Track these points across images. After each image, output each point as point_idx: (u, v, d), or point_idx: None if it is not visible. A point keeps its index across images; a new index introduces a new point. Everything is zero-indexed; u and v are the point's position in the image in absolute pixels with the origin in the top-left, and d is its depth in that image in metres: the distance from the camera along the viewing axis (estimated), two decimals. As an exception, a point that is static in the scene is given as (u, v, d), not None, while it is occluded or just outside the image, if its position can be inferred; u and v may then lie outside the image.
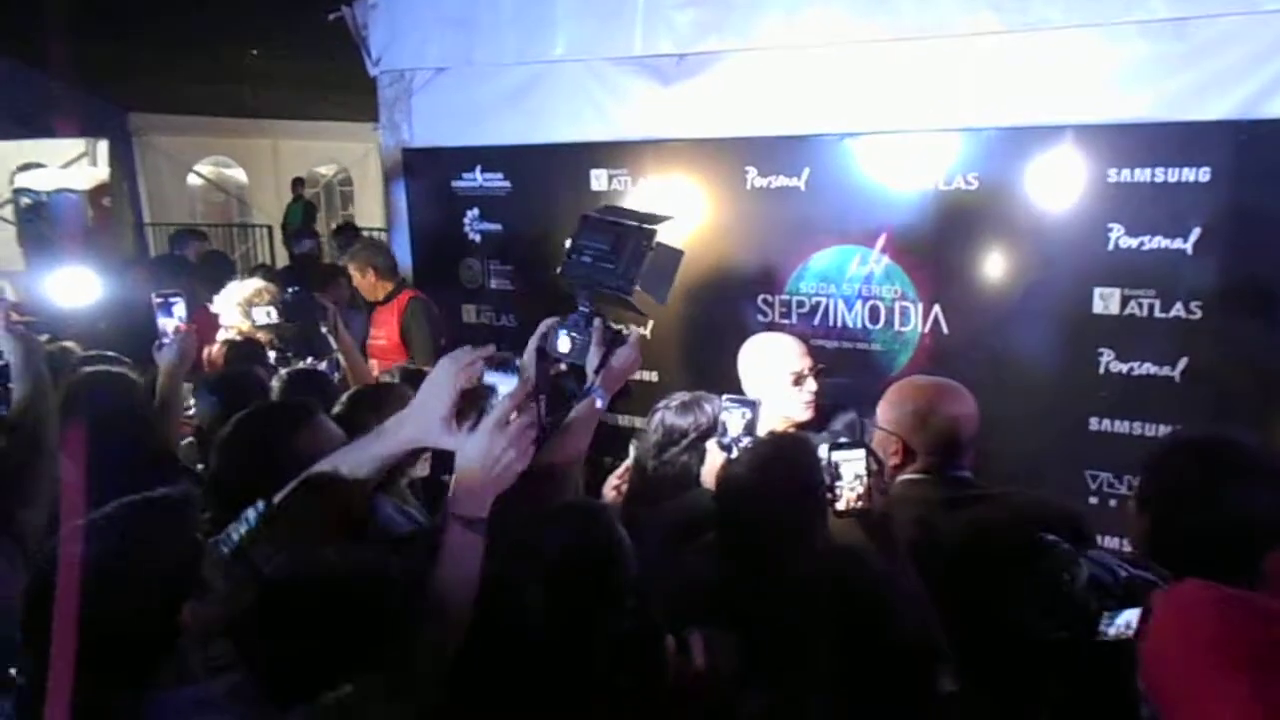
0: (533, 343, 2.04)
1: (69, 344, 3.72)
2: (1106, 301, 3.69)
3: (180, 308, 3.13)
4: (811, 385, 2.81)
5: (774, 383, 2.79)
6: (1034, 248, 3.81)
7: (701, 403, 2.59)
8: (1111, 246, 3.64)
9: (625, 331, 2.02)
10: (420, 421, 1.64)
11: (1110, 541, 3.50)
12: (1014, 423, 3.73)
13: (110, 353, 3.54)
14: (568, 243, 2.21)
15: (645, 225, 2.06)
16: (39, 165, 14.33)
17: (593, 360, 1.96)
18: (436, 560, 1.58)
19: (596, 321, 1.97)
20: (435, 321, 4.89)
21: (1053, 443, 3.81)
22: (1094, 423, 3.77)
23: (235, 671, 1.54)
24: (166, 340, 3.06)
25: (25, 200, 12.88)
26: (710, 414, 2.52)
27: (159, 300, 3.13)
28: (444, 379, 1.64)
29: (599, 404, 1.95)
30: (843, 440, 2.08)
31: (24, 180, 13.65)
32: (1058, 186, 3.72)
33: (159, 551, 1.54)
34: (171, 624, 1.51)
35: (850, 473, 2.03)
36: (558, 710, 1.67)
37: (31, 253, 12.48)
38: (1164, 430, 3.63)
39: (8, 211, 13.73)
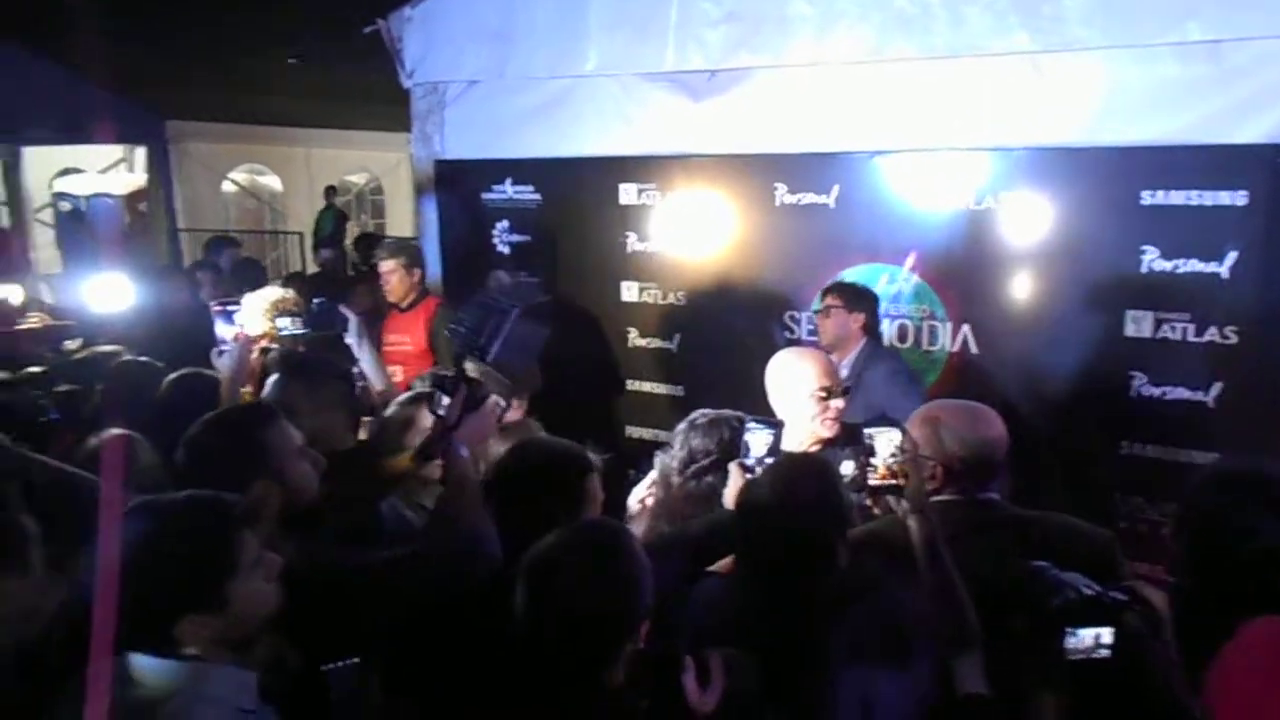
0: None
1: (112, 347, 3.77)
2: (1139, 324, 3.65)
3: (239, 315, 3.19)
4: (838, 403, 2.80)
5: (800, 400, 2.79)
6: (1065, 269, 3.78)
7: (725, 422, 2.58)
8: (1145, 269, 3.61)
9: (485, 397, 2.39)
10: None
11: (1140, 567, 3.45)
12: (1043, 445, 3.69)
13: (144, 358, 3.59)
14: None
15: (508, 307, 2.52)
16: (78, 170, 14.65)
17: (450, 416, 2.30)
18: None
19: (461, 386, 2.34)
20: None
21: (1082, 466, 3.77)
22: (1125, 446, 3.73)
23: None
24: (226, 347, 3.11)
25: (64, 205, 13.17)
26: (734, 433, 2.51)
27: (218, 308, 3.20)
28: None
29: (464, 452, 2.26)
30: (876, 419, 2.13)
31: (63, 185, 13.96)
32: (1090, 208, 3.70)
33: (171, 555, 1.55)
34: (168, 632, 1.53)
35: (885, 449, 2.06)
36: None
37: (69, 256, 12.75)
38: (1197, 456, 3.57)
39: (47, 215, 14.03)
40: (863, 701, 1.89)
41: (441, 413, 2.33)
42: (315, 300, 3.73)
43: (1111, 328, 3.69)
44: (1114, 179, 3.63)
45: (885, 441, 2.06)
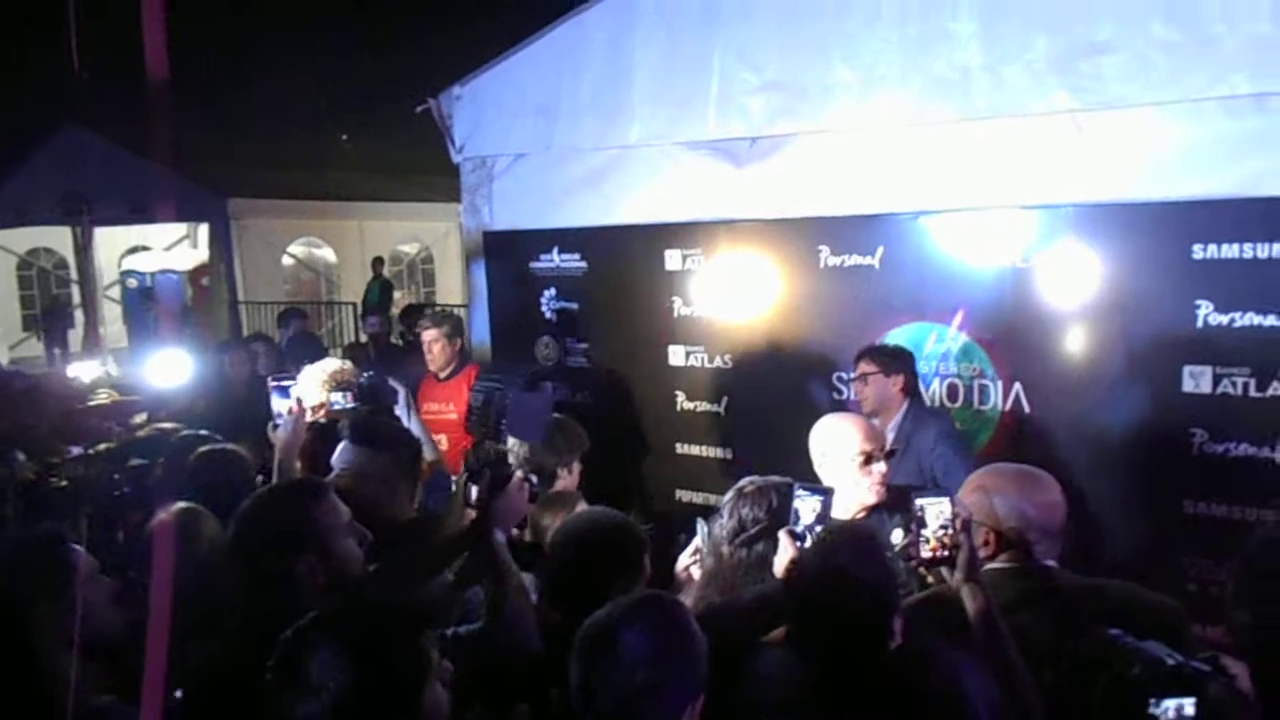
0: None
1: (172, 424, 3.88)
2: (1197, 380, 3.57)
3: (295, 389, 3.30)
4: (881, 467, 2.77)
5: (842, 465, 2.76)
6: (1118, 325, 3.72)
7: (773, 489, 2.57)
8: (1200, 324, 3.54)
9: (508, 477, 2.46)
10: None
11: (1211, 632, 3.32)
12: (1103, 506, 3.61)
13: (204, 431, 3.70)
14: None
15: (504, 386, 2.78)
16: (145, 248, 15.26)
17: (479, 504, 2.41)
18: None
19: (484, 471, 2.46)
20: None
21: (1144, 527, 3.67)
22: (1189, 506, 3.62)
23: None
24: (280, 421, 3.20)
25: (131, 281, 13.72)
26: (783, 500, 2.49)
27: (274, 383, 3.30)
28: None
29: (500, 537, 2.34)
30: (924, 489, 2.10)
31: (131, 262, 14.55)
32: (1140, 263, 3.65)
33: (375, 670, 1.51)
34: None
35: (935, 521, 2.03)
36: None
37: (135, 331, 13.23)
38: (1265, 514, 3.46)
39: (114, 292, 14.62)
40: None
41: (473, 500, 2.39)
42: (364, 374, 3.79)
43: (1169, 384, 3.61)
44: (1164, 234, 3.59)
45: (935, 512, 2.04)
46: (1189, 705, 1.66)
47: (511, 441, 3.03)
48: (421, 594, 2.38)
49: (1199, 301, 3.54)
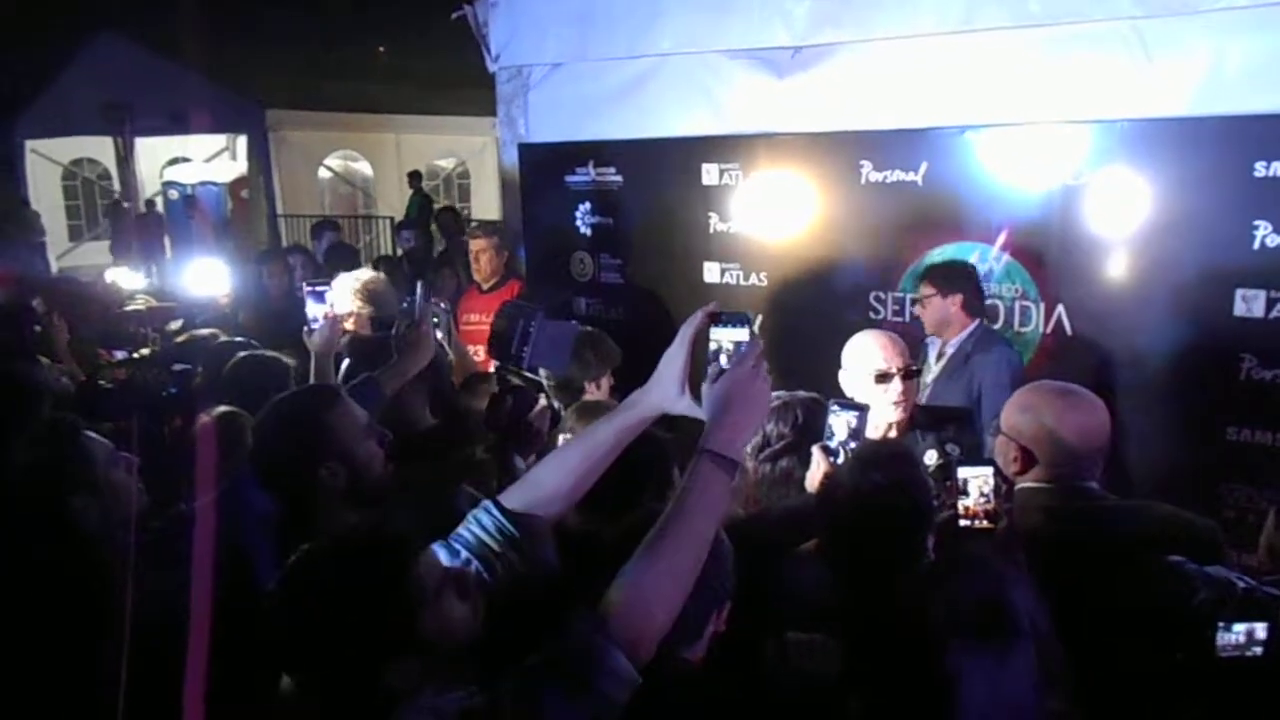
0: None
1: (211, 330, 3.94)
2: (1250, 304, 3.45)
3: (330, 295, 3.33)
4: (898, 385, 2.75)
5: (858, 381, 2.76)
6: (1170, 246, 3.60)
7: (798, 404, 2.55)
8: (1257, 245, 3.41)
9: (532, 404, 2.50)
10: (661, 390, 1.67)
11: (1247, 560, 3.29)
12: (1144, 430, 3.54)
13: (240, 338, 3.75)
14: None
15: (532, 311, 2.60)
16: (185, 159, 15.33)
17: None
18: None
19: (507, 397, 2.47)
20: None
21: (1186, 452, 3.60)
22: (1232, 433, 3.54)
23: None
24: (315, 325, 3.24)
25: (173, 193, 13.83)
26: (808, 414, 2.48)
27: (309, 289, 3.33)
28: (678, 346, 1.66)
29: (519, 463, 2.40)
30: (962, 455, 2.08)
31: (172, 174, 14.64)
32: (1197, 181, 3.50)
33: (363, 614, 1.49)
34: (374, 687, 1.47)
35: (976, 489, 2.01)
36: (650, 709, 1.67)
37: (176, 242, 13.39)
38: (1313, 444, 3.38)
39: (157, 203, 14.74)
40: (951, 686, 1.85)
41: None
42: (409, 299, 3.79)
43: (1220, 308, 3.49)
44: (1225, 151, 3.43)
45: (976, 485, 2.02)
46: (1260, 629, 1.64)
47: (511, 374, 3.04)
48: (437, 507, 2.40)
49: (1257, 222, 3.40)
